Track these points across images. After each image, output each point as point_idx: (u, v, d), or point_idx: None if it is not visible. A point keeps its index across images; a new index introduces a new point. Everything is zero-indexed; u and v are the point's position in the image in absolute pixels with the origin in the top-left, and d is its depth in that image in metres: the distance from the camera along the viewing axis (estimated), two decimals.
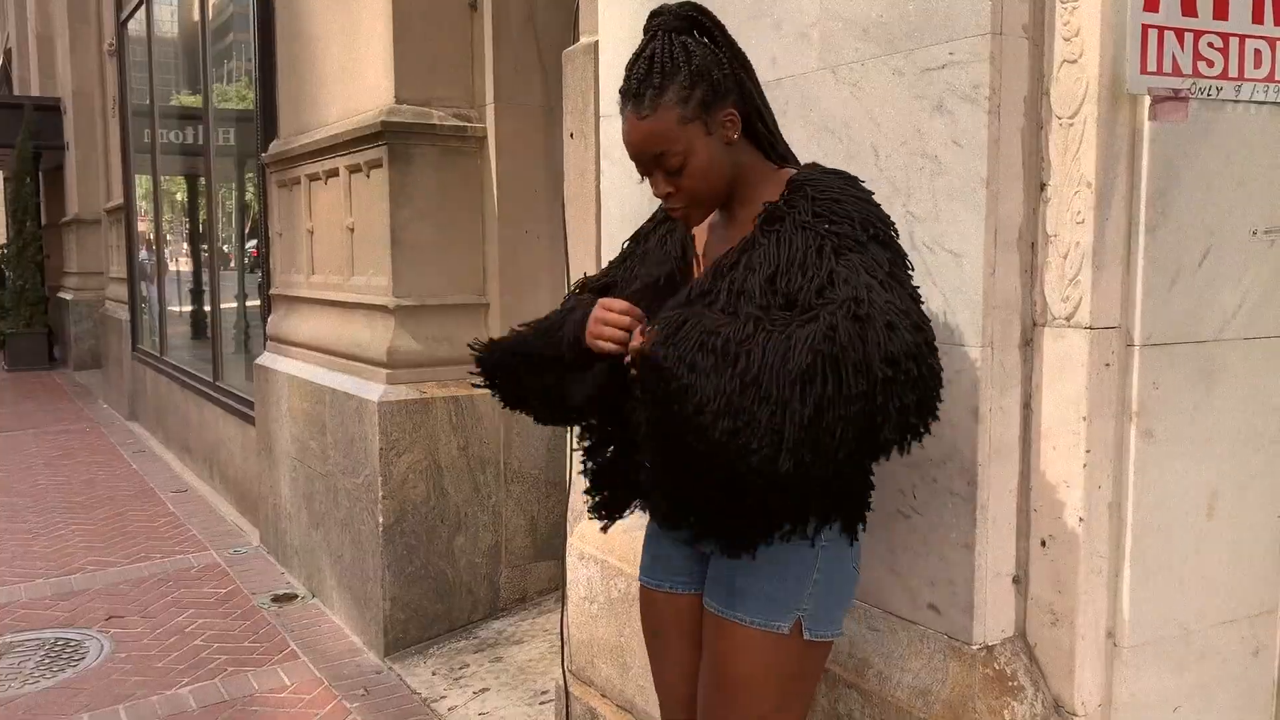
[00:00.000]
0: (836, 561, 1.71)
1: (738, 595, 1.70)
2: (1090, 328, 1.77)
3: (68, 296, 13.15)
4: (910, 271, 1.59)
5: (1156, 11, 1.72)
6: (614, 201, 2.67)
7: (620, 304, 1.70)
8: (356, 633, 4.32)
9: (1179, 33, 1.75)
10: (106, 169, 11.17)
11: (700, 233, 1.84)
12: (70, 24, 12.22)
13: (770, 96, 2.13)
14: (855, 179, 1.68)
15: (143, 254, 9.41)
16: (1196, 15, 1.76)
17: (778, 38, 2.17)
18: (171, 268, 8.96)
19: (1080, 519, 1.80)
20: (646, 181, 1.73)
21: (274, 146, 5.30)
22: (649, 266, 1.85)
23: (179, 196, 8.98)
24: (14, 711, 3.72)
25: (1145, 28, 1.71)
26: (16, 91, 17.03)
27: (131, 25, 8.93)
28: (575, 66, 2.92)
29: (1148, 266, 1.78)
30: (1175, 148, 1.78)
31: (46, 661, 4.19)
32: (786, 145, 1.83)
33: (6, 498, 6.72)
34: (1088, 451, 1.78)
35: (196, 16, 6.84)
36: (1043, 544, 1.86)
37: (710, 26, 1.68)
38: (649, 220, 1.95)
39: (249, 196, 6.66)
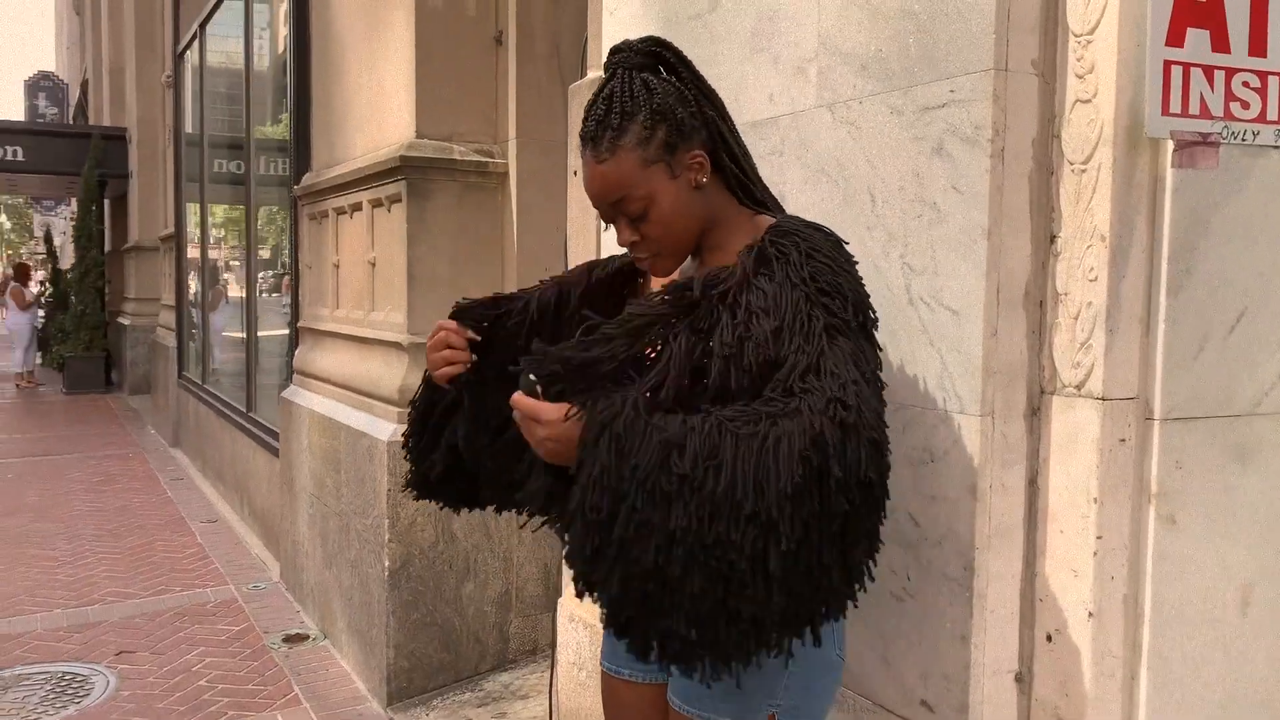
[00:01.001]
0: (819, 649, 1.53)
1: (704, 689, 1.52)
2: (1103, 398, 1.57)
3: (126, 321, 13.36)
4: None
5: (1181, 47, 1.53)
6: (612, 239, 2.53)
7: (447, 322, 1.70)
8: (362, 679, 4.19)
9: (1208, 70, 1.56)
10: (166, 197, 11.35)
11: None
12: (137, 54, 12.51)
13: (767, 135, 1.98)
14: (840, 241, 1.52)
15: (194, 281, 9.49)
16: (1229, 51, 1.57)
17: (775, 73, 2.02)
18: (232, 294, 9.01)
19: (1090, 613, 1.59)
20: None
21: (306, 179, 5.26)
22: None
23: (228, 225, 9.05)
24: None
25: (1168, 65, 1.53)
26: (92, 121, 17.50)
27: (188, 56, 9.06)
28: (580, 101, 2.79)
29: (1170, 330, 1.58)
30: (1203, 198, 1.58)
31: (51, 697, 4.12)
32: (766, 190, 1.69)
33: (42, 524, 6.74)
34: (1099, 538, 1.58)
35: (241, 48, 6.89)
36: (1048, 638, 1.65)
37: (675, 62, 1.54)
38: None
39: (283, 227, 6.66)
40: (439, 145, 4.01)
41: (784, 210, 1.77)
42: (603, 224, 1.56)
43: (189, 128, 9.09)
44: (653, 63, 1.54)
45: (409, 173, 3.95)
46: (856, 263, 1.51)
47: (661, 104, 1.50)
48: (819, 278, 1.43)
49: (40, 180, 15.53)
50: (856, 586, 1.37)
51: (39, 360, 15.52)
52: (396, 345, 4.07)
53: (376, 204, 4.31)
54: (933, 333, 1.69)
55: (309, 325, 5.25)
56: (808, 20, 1.93)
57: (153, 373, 11.59)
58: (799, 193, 1.96)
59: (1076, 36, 1.60)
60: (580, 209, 2.78)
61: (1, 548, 6.13)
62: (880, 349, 1.47)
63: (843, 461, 1.25)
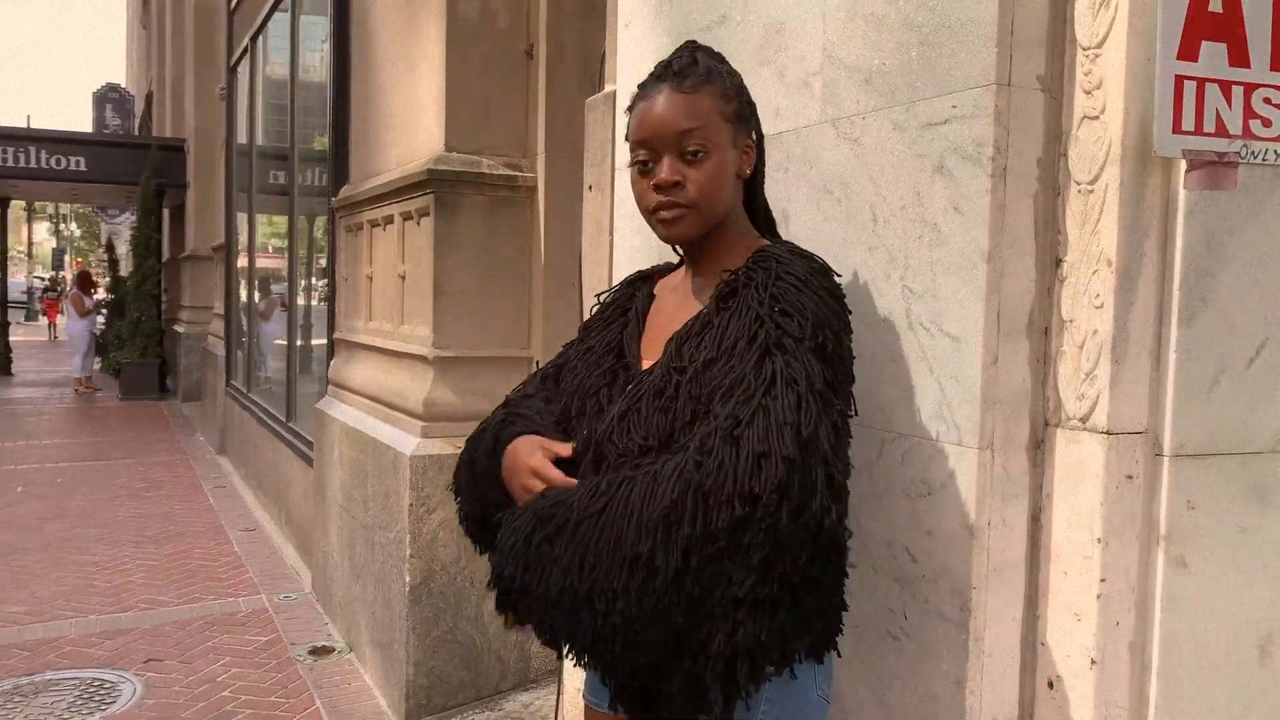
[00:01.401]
0: (796, 689, 1.46)
1: None
2: (1108, 432, 1.48)
3: (181, 329, 13.59)
4: (846, 402, 1.43)
5: (1195, 60, 1.44)
6: (624, 257, 2.47)
7: (547, 469, 1.55)
8: (383, 695, 4.17)
9: (1225, 85, 1.47)
10: (220, 208, 11.53)
11: (661, 300, 1.67)
12: (196, 67, 12.75)
13: (773, 150, 1.93)
14: (828, 271, 1.49)
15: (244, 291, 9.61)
16: (1249, 65, 1.48)
17: (782, 87, 1.96)
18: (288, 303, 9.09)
19: (1093, 660, 1.50)
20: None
21: (343, 191, 5.29)
22: (587, 369, 1.67)
23: (283, 235, 9.16)
24: None
25: (1180, 80, 1.44)
26: (155, 132, 17.89)
27: (241, 68, 9.20)
28: (596, 115, 2.75)
29: (1182, 361, 1.48)
30: (1220, 221, 1.49)
31: (78, 704, 4.15)
32: (770, 215, 1.72)
33: (85, 529, 6.84)
34: (1103, 580, 1.49)
35: (288, 60, 6.96)
36: (1050, 685, 1.56)
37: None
38: (597, 309, 1.76)
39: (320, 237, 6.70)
40: (467, 159, 4.00)
41: (779, 237, 1.73)
42: (637, 168, 1.56)
43: (241, 139, 9.22)
44: (722, 58, 1.62)
45: (437, 186, 3.94)
46: (843, 294, 1.47)
47: (740, 84, 1.60)
48: (782, 298, 1.41)
49: (102, 190, 15.90)
50: (821, 626, 1.39)
51: (97, 366, 15.85)
52: (423, 359, 4.06)
53: (407, 217, 4.31)
54: (932, 359, 1.61)
55: (344, 337, 5.26)
56: (813, 32, 1.87)
57: (203, 380, 11.77)
58: (804, 211, 1.90)
59: (1084, 50, 1.51)
60: (596, 227, 2.73)
61: (44, 552, 6.23)
62: (849, 379, 1.43)
63: (725, 472, 1.27)
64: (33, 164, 13.94)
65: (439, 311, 3.98)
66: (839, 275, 1.53)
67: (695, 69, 1.55)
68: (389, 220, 4.54)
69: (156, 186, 14.00)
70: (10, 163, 13.85)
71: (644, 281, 1.76)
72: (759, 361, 1.36)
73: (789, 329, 1.38)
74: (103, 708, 4.11)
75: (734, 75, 1.60)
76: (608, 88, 2.77)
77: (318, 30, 6.64)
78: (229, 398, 9.28)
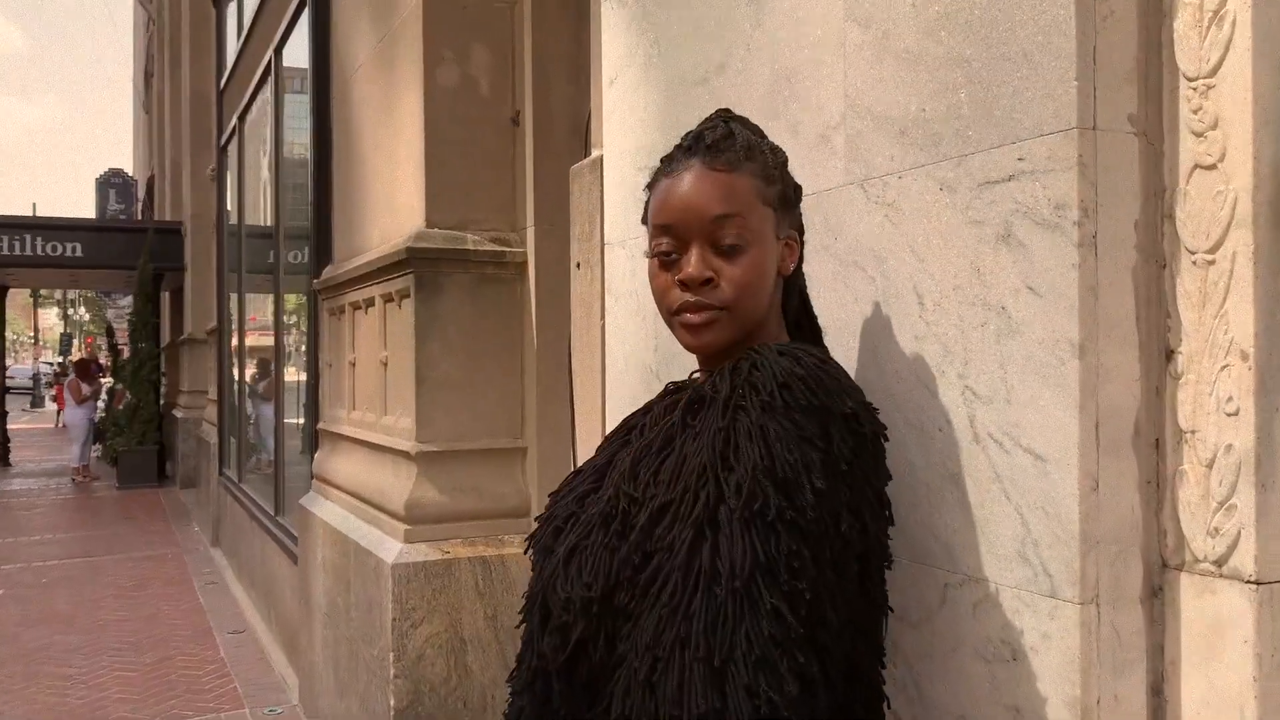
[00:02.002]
0: None
1: None
2: (1257, 581, 1.11)
3: (180, 414, 13.28)
4: (815, 572, 1.10)
5: None
6: (617, 343, 2.12)
7: None
8: None
9: None
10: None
11: None
12: (192, 150, 12.61)
13: None
14: (817, 378, 1.16)
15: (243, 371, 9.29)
16: None
17: (795, 144, 1.62)
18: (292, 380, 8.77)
19: None
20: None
21: (326, 272, 4.97)
22: (568, 493, 1.38)
23: (263, 316, 8.87)
24: None
25: None
26: (156, 216, 17.79)
27: (230, 149, 9.00)
28: (582, 185, 2.42)
29: None
30: None
31: None
32: (814, 320, 1.46)
33: (64, 635, 6.44)
34: None
35: (271, 139, 6.72)
36: None
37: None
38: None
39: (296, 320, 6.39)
40: (450, 235, 3.68)
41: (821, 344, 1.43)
42: (659, 259, 1.28)
43: (231, 219, 8.98)
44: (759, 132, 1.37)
45: (418, 265, 3.61)
46: (839, 407, 1.15)
47: (783, 161, 1.35)
48: (733, 435, 1.13)
49: (101, 275, 15.72)
50: None
51: (96, 454, 15.52)
52: (405, 454, 3.70)
53: (388, 299, 3.98)
54: (1008, 483, 1.25)
55: (327, 427, 4.91)
56: (831, 77, 1.54)
57: (199, 468, 11.41)
58: (827, 291, 1.55)
59: (1190, 81, 1.17)
60: (584, 309, 2.39)
61: (18, 664, 5.83)
62: (831, 538, 1.12)
63: None
64: (29, 251, 13.76)
65: (421, 401, 3.63)
66: (854, 392, 1.21)
67: (732, 142, 1.28)
68: (370, 302, 4.21)
69: (154, 270, 13.80)
70: (7, 251, 13.68)
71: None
72: (692, 545, 1.08)
73: (727, 490, 1.09)
74: None
75: (778, 152, 1.35)
76: (594, 153, 2.45)
77: (303, 107, 6.40)
78: (222, 487, 8.92)
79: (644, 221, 1.36)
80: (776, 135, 1.64)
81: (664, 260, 1.28)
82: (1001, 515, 1.26)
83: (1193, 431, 1.16)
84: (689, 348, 1.31)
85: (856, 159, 1.50)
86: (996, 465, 1.26)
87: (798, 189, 1.38)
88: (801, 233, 1.38)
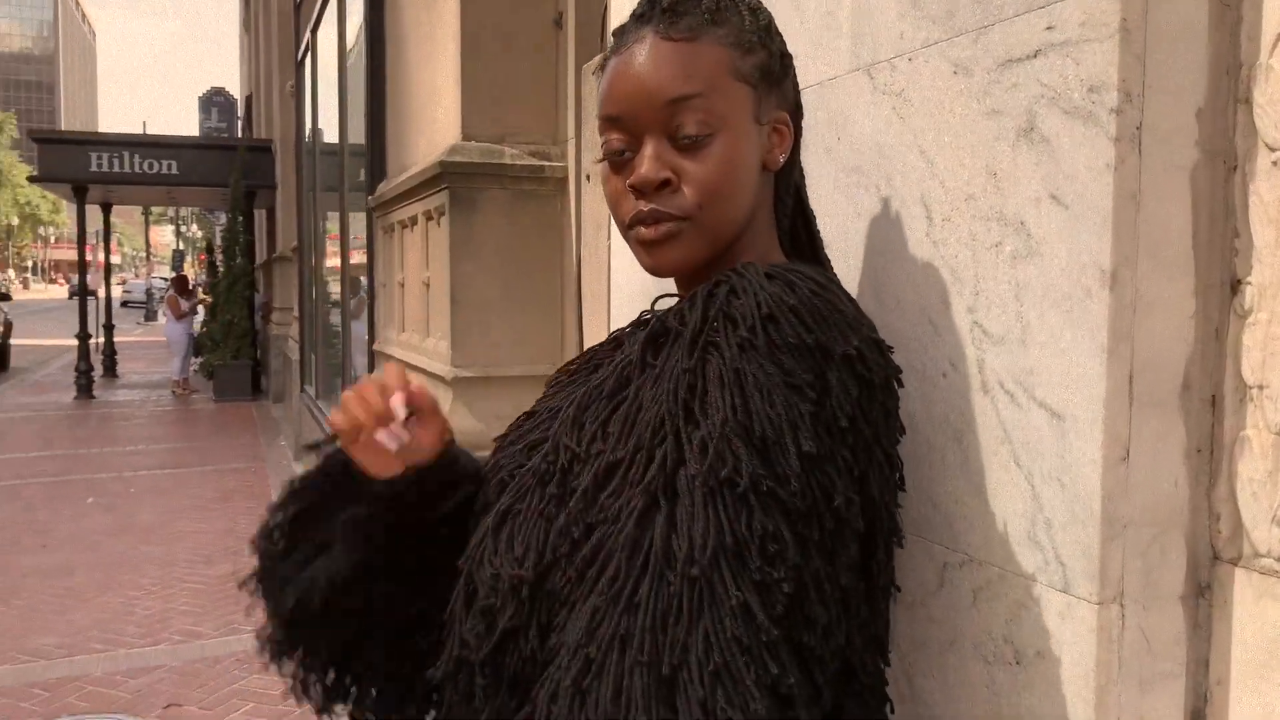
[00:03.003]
0: None
1: None
2: None
3: (272, 331, 13.51)
4: (801, 552, 0.84)
5: None
6: (622, 264, 1.89)
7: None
8: None
9: None
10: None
11: None
12: (280, 68, 12.59)
13: None
14: (812, 308, 0.89)
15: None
16: None
17: (801, 25, 1.35)
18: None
19: None
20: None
21: (379, 189, 4.82)
22: (513, 445, 1.11)
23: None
24: None
25: None
26: (255, 134, 17.99)
27: (306, 63, 8.90)
28: (591, 88, 2.16)
29: None
30: None
31: None
32: (812, 228, 1.17)
33: (144, 546, 6.59)
34: None
35: (335, 52, 6.56)
36: None
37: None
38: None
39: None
40: (486, 148, 3.46)
41: (822, 261, 1.17)
42: (609, 159, 1.03)
43: (307, 136, 8.92)
44: None
45: (452, 180, 3.41)
46: (840, 348, 0.87)
47: (766, 24, 1.04)
48: (700, 379, 0.87)
49: (197, 192, 15.98)
50: None
51: (195, 368, 15.97)
52: (441, 379, 3.55)
53: (429, 216, 3.80)
54: (1018, 445, 0.99)
55: (381, 349, 4.81)
56: None
57: (286, 383, 11.61)
58: (828, 203, 1.29)
59: None
60: (594, 226, 2.14)
61: (96, 572, 5.98)
62: (821, 512, 0.84)
63: None
64: (129, 169, 14.03)
65: (456, 324, 3.46)
66: (861, 321, 0.94)
67: (695, 2, 1.00)
68: (413, 220, 4.05)
69: (246, 188, 13.94)
70: (109, 168, 13.97)
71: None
72: (641, 517, 0.84)
73: (689, 450, 0.84)
74: None
75: (759, 12, 1.05)
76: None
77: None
78: (303, 403, 9.01)
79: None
80: (783, 17, 1.36)
81: (615, 161, 1.02)
82: (1010, 485, 1.00)
83: (1261, 387, 0.89)
84: (650, 269, 1.04)
85: (863, 39, 1.22)
86: (1006, 422, 1.00)
87: (787, 59, 1.08)
88: (797, 115, 1.10)
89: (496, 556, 0.96)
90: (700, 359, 0.88)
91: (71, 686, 4.40)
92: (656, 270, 1.03)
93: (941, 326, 1.10)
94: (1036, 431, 0.97)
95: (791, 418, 0.82)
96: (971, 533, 1.06)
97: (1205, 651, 0.94)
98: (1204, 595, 0.94)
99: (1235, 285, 0.91)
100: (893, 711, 1.02)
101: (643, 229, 1.00)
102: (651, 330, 0.97)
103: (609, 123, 1.02)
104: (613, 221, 1.94)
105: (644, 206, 0.99)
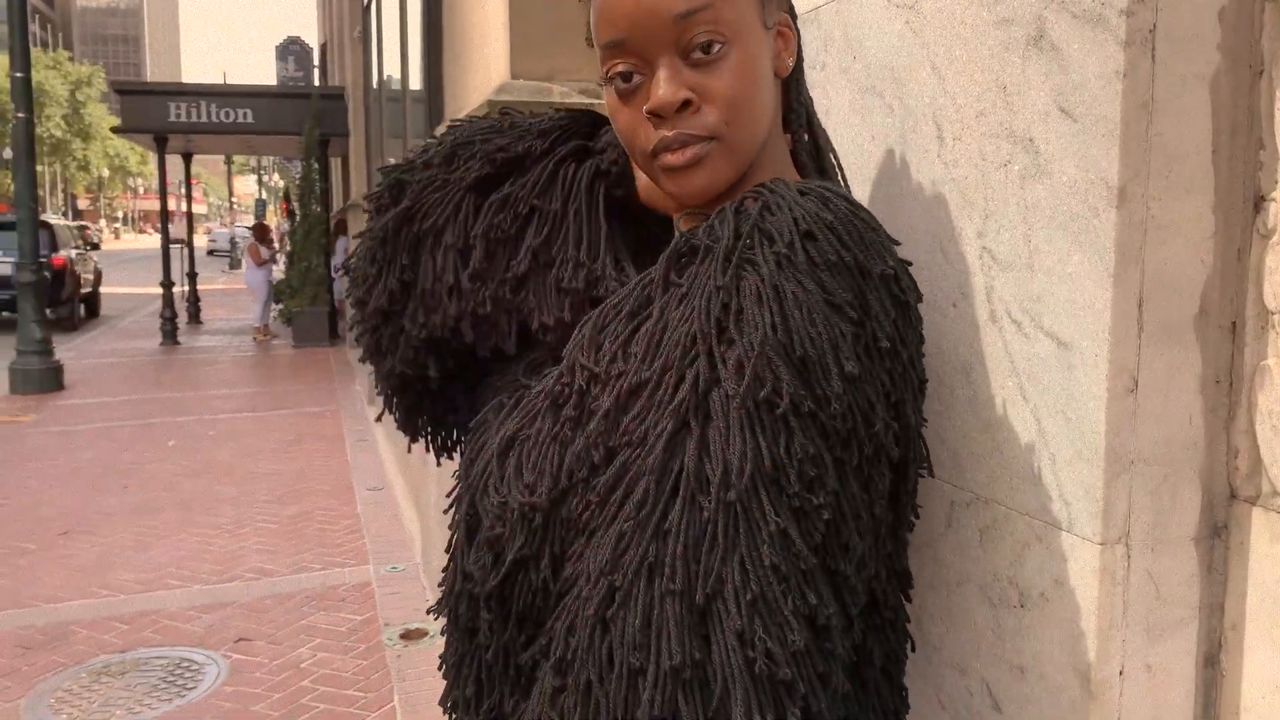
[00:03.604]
0: None
1: None
2: None
3: None
4: (842, 481, 0.79)
5: None
6: None
7: None
8: None
9: None
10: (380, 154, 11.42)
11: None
12: (349, 14, 12.63)
13: (806, 37, 1.27)
14: (850, 226, 0.84)
15: None
16: None
17: None
18: None
19: None
20: None
21: (435, 133, 4.81)
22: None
23: None
24: None
25: None
26: (330, 82, 18.14)
27: (372, 8, 8.90)
28: (584, 13, 2.09)
29: None
30: None
31: (160, 688, 3.94)
32: (822, 139, 1.08)
33: (220, 486, 6.78)
34: None
35: None
36: None
37: None
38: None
39: None
40: (535, 86, 3.41)
41: (830, 173, 1.10)
42: (615, 87, 0.96)
43: (374, 83, 8.95)
44: None
45: None
46: (878, 268, 0.83)
47: None
48: (737, 297, 0.80)
49: (273, 140, 16.21)
50: None
51: (275, 314, 16.32)
52: None
53: None
54: (1025, 378, 0.93)
55: None
56: None
57: None
58: (844, 124, 1.23)
59: None
60: None
61: (174, 512, 6.18)
62: (865, 440, 0.80)
63: (596, 689, 0.76)
64: (206, 118, 14.27)
65: None
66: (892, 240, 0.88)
67: None
68: None
69: (320, 136, 14.07)
70: (187, 118, 14.23)
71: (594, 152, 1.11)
72: (671, 440, 0.79)
73: (723, 370, 0.78)
74: (182, 694, 3.88)
75: None
76: None
77: None
78: None
79: (588, 42, 1.06)
80: None
81: (623, 89, 0.95)
82: (1016, 420, 0.95)
83: None
84: (681, 201, 0.97)
85: None
86: (1013, 353, 0.95)
87: None
88: (793, 15, 1.03)
89: (504, 484, 0.92)
90: (735, 275, 0.82)
91: (148, 620, 4.57)
92: (684, 198, 0.97)
93: (951, 254, 1.04)
94: (1043, 363, 0.91)
95: (833, 337, 0.78)
96: (979, 470, 1.01)
97: (1220, 596, 0.88)
98: (1219, 536, 0.88)
99: (1259, 202, 0.83)
100: (913, 649, 0.99)
101: (669, 155, 0.93)
102: (676, 248, 0.90)
103: (613, 49, 0.95)
104: None
105: (668, 131, 0.92)
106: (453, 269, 1.06)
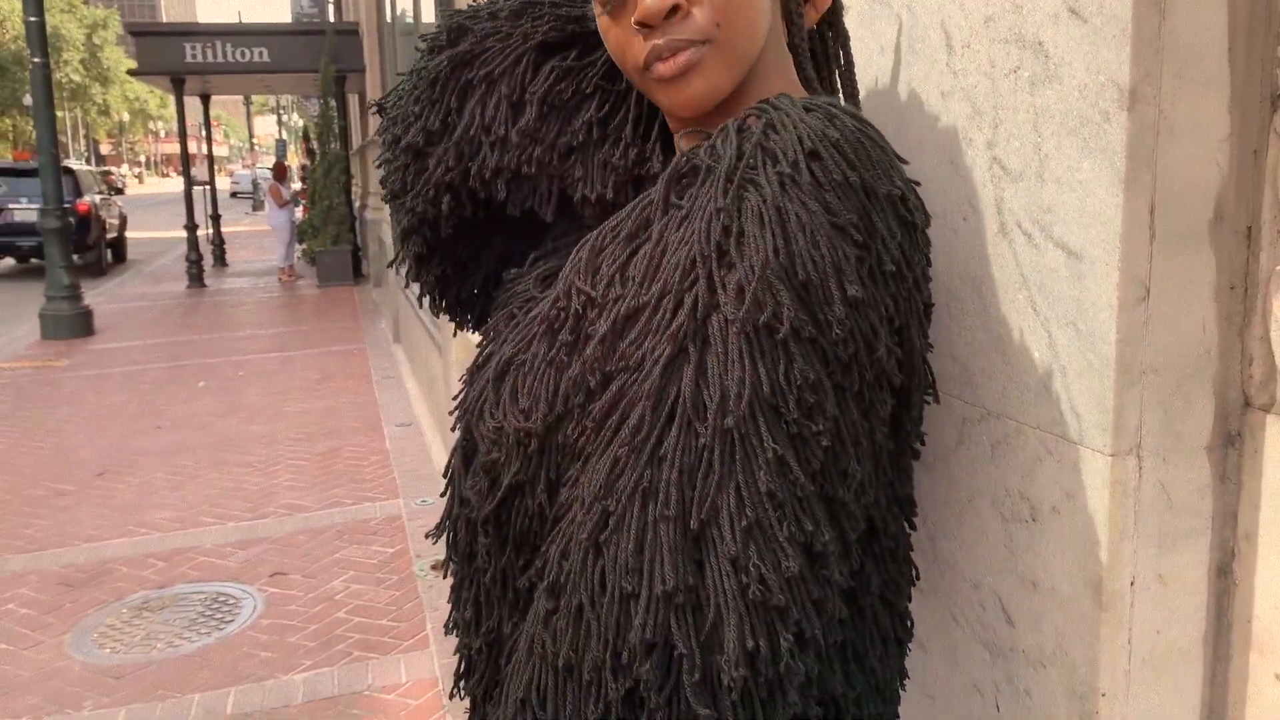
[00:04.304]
0: None
1: None
2: None
3: (368, 216, 13.70)
4: (844, 407, 0.79)
5: None
6: None
7: None
8: None
9: None
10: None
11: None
12: None
13: None
14: (858, 143, 0.81)
15: None
16: None
17: None
18: None
19: None
20: None
21: None
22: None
23: None
24: (143, 680, 3.58)
25: None
26: (346, 18, 17.95)
27: None
28: None
29: None
30: None
31: (199, 622, 4.05)
32: (840, 47, 1.05)
33: (251, 426, 6.87)
34: None
35: None
36: None
37: None
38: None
39: None
40: None
41: (841, 88, 1.06)
42: (598, 9, 0.94)
43: (388, 17, 8.85)
44: None
45: None
46: (884, 188, 0.80)
47: None
48: (736, 218, 0.78)
49: (290, 79, 16.10)
50: None
51: (299, 254, 16.37)
52: None
53: None
54: (1035, 290, 0.92)
55: None
56: None
57: (382, 267, 11.82)
58: (852, 36, 1.18)
59: None
60: None
61: (207, 451, 6.27)
62: (868, 367, 0.78)
63: (572, 651, 0.77)
64: (221, 58, 14.18)
65: None
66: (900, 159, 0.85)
67: None
68: None
69: (336, 72, 13.96)
70: (203, 59, 14.15)
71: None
72: (668, 366, 0.77)
73: (723, 294, 0.76)
74: (220, 627, 3.98)
75: None
76: None
77: None
78: (397, 285, 9.17)
79: None
80: None
81: (612, 6, 0.92)
82: (1027, 334, 0.93)
83: None
84: (674, 109, 0.93)
85: None
86: (1024, 265, 0.93)
87: None
88: None
89: (499, 409, 0.92)
90: (736, 197, 0.79)
91: (184, 557, 4.67)
92: (679, 109, 0.93)
93: (961, 166, 1.01)
94: (1054, 274, 0.89)
95: (836, 261, 0.76)
96: (990, 386, 0.99)
97: (1233, 505, 0.87)
98: (1233, 445, 0.87)
99: (1276, 100, 0.81)
100: (918, 578, 0.98)
101: (660, 65, 0.89)
102: (676, 167, 0.86)
103: None
104: None
105: (657, 40, 0.89)
106: (504, 121, 1.02)
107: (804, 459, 0.74)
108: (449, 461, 1.01)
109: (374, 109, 1.15)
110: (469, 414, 0.97)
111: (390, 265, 1.25)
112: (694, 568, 0.73)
